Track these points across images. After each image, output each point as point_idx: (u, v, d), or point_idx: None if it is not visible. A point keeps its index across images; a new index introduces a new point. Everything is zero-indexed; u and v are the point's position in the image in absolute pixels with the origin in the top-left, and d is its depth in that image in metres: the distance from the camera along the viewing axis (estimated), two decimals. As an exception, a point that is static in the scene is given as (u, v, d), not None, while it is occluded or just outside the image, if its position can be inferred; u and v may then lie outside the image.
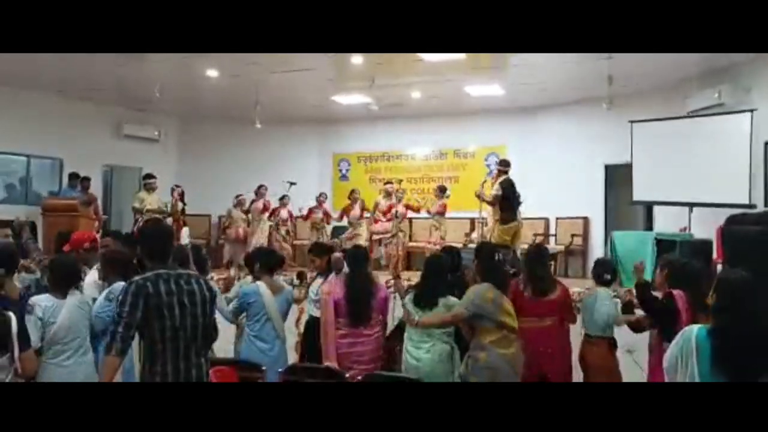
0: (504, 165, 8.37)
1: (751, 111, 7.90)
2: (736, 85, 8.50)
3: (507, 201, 7.98)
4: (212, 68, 9.27)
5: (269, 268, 4.66)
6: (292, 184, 10.19)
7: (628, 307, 4.58)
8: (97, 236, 5.77)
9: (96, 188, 10.74)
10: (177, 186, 10.38)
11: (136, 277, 2.83)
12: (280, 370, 4.04)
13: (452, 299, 4.20)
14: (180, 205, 10.12)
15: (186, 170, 12.33)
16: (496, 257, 4.31)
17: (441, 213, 10.06)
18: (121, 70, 9.19)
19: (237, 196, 10.84)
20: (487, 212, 9.07)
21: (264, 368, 3.93)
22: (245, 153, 12.65)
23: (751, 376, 2.71)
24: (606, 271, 4.83)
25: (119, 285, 3.40)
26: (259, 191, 10.60)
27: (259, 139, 12.12)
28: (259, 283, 4.55)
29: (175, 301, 2.80)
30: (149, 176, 10.08)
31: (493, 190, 8.17)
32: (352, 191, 10.63)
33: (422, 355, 4.15)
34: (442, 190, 10.24)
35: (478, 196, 8.35)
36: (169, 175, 11.19)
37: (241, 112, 11.45)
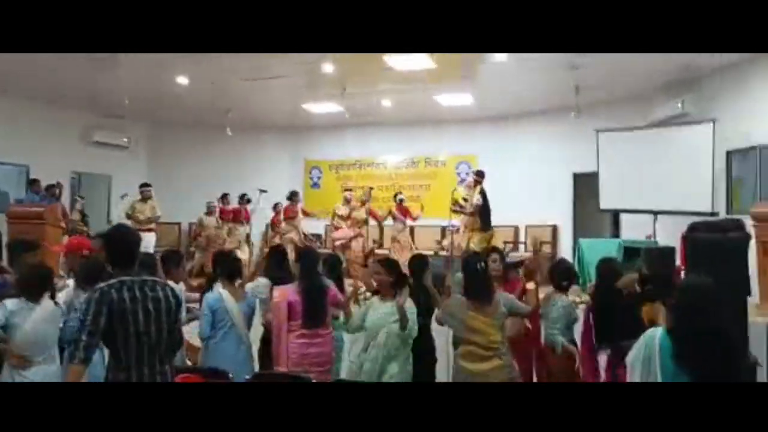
0: (480, 176, 8.59)
1: (713, 121, 8.09)
2: (699, 96, 8.72)
3: (485, 210, 8.18)
4: (183, 75, 9.21)
5: (229, 274, 4.61)
6: (262, 191, 10.15)
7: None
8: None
9: (63, 195, 10.55)
10: (80, 197, 10.26)
11: (100, 285, 2.80)
12: (247, 376, 4.02)
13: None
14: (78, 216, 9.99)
15: (156, 177, 12.15)
16: (478, 267, 4.23)
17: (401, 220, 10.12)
18: (91, 76, 9.09)
19: (208, 204, 10.80)
20: (459, 220, 9.18)
21: (230, 375, 3.89)
22: (216, 160, 12.59)
23: (707, 377, 2.78)
24: (563, 276, 4.85)
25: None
26: (225, 199, 10.66)
27: (230, 147, 12.09)
28: (221, 290, 4.50)
29: (139, 308, 2.78)
30: (145, 185, 10.23)
31: (473, 199, 8.37)
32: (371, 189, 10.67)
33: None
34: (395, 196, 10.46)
35: (456, 211, 8.57)
36: (139, 182, 11.02)
37: (212, 119, 11.43)
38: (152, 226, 10.12)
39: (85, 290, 3.82)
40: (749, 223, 6.22)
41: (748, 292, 4.97)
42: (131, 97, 10.12)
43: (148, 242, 9.84)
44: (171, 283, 4.64)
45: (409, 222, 10.49)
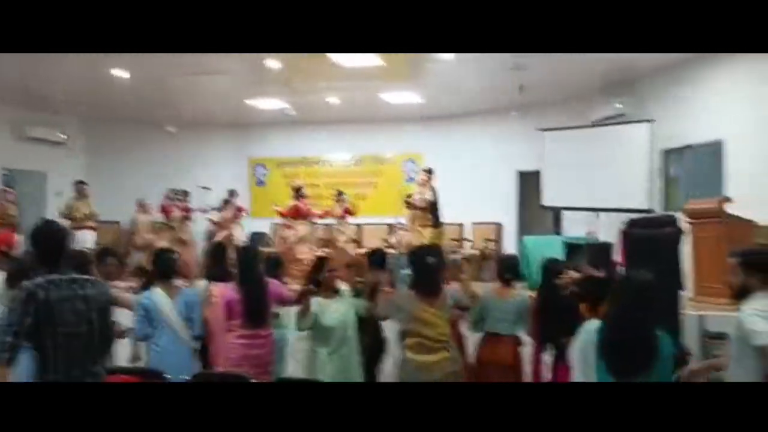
0: (429, 173, 8.64)
1: (650, 121, 8.35)
2: (637, 96, 9.00)
3: (435, 207, 8.31)
4: (122, 69, 8.92)
5: (163, 272, 4.49)
6: (205, 189, 9.94)
7: None
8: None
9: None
10: (9, 188, 9.92)
11: (26, 283, 2.69)
12: (186, 377, 3.91)
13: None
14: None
15: (95, 175, 11.76)
16: (428, 260, 4.25)
17: (343, 218, 10.04)
18: (23, 69, 8.70)
19: (140, 202, 10.53)
20: (406, 217, 9.23)
21: (168, 376, 3.79)
22: (157, 157, 12.27)
23: (630, 371, 2.87)
24: (508, 271, 4.92)
25: None
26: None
27: (172, 143, 11.83)
28: (153, 288, 4.39)
29: (68, 307, 2.68)
30: (80, 182, 9.95)
31: (425, 196, 8.43)
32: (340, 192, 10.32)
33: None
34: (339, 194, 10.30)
35: (409, 204, 8.60)
36: (75, 179, 10.63)
37: (152, 114, 11.14)
38: (91, 224, 9.84)
39: (13, 289, 3.66)
40: (683, 220, 6.44)
41: (681, 286, 5.14)
42: (68, 92, 9.77)
43: (88, 240, 9.60)
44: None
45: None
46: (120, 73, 9.04)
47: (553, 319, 4.17)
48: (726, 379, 3.33)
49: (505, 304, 4.72)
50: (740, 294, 3.22)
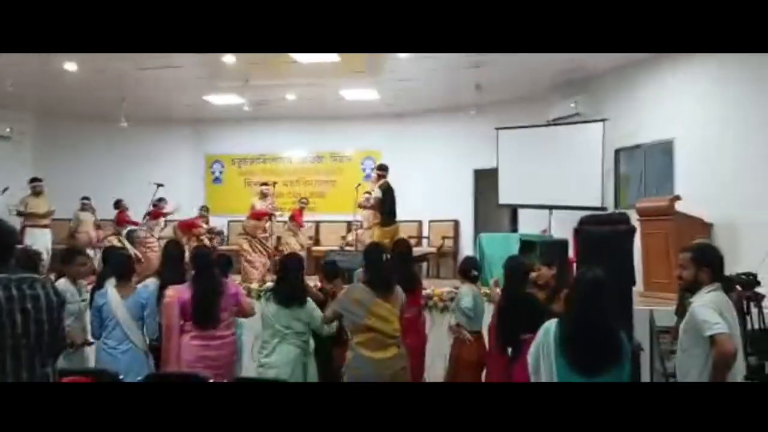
0: (382, 169, 8.62)
1: (603, 121, 8.54)
2: (591, 96, 9.18)
3: (386, 204, 8.22)
4: (72, 62, 8.66)
5: (117, 271, 4.41)
6: (159, 185, 9.72)
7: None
8: None
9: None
10: None
11: None
12: (139, 378, 3.83)
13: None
14: None
15: (43, 171, 11.36)
16: (383, 259, 4.30)
17: (295, 219, 10.00)
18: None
19: (83, 199, 10.28)
20: (362, 215, 9.23)
21: (121, 376, 3.70)
22: (110, 154, 11.99)
23: (591, 366, 2.93)
24: (473, 268, 5.10)
25: None
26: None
27: (125, 139, 11.54)
28: (108, 287, 4.31)
29: (16, 308, 2.57)
30: (35, 179, 9.73)
31: (373, 193, 8.40)
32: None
33: (273, 358, 4.24)
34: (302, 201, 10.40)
35: (361, 206, 8.61)
36: (24, 176, 10.26)
37: (105, 109, 10.84)
38: (47, 222, 9.57)
39: None
40: (635, 218, 6.61)
41: (633, 282, 5.28)
42: (16, 86, 9.42)
43: (45, 239, 9.36)
44: (63, 280, 4.44)
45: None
46: (70, 67, 8.79)
47: (517, 318, 4.21)
48: (676, 369, 3.45)
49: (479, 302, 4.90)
50: (691, 288, 3.35)
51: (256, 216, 9.19)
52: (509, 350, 4.37)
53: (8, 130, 11.42)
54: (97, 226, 10.20)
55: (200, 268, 4.38)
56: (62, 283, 4.36)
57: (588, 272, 3.14)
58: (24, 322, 2.58)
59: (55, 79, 9.42)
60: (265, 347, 4.32)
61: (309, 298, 4.42)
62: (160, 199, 10.09)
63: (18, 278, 2.65)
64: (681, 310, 4.05)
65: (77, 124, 11.96)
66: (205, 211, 10.53)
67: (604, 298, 3.03)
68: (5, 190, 9.67)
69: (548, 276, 4.44)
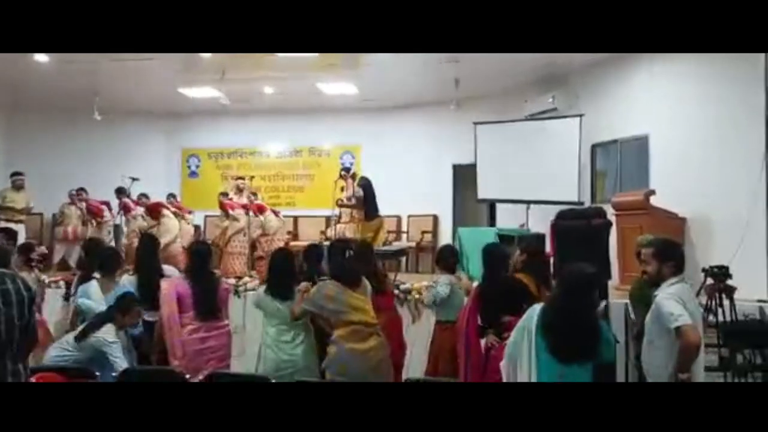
0: (347, 171, 8.94)
1: (580, 116, 8.60)
2: (568, 91, 9.24)
3: (366, 200, 8.27)
4: (42, 54, 8.48)
5: (102, 265, 4.40)
6: (134, 179, 9.59)
7: None
8: None
9: None
10: None
11: None
12: (114, 374, 3.78)
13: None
14: None
15: (14, 165, 11.12)
16: (347, 254, 4.38)
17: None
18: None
19: (71, 192, 10.12)
20: (342, 210, 9.22)
21: (97, 373, 3.66)
22: (83, 147, 11.74)
23: (568, 353, 2.96)
24: (451, 256, 5.17)
25: None
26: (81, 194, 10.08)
27: (98, 132, 11.35)
28: (92, 281, 4.30)
29: None
30: (16, 173, 9.62)
31: (353, 193, 8.42)
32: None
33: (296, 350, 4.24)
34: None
35: (343, 205, 8.63)
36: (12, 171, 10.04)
37: (77, 102, 10.65)
38: (23, 217, 9.44)
39: None
40: (610, 212, 6.68)
41: (609, 275, 5.34)
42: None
43: (19, 235, 9.17)
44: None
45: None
46: (41, 58, 8.61)
47: (497, 303, 4.24)
48: (642, 361, 3.51)
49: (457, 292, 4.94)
50: (656, 282, 3.45)
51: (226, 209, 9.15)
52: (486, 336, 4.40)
53: (-22, 123, 11.18)
54: (83, 222, 10.02)
55: (200, 262, 4.59)
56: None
57: (579, 268, 3.19)
58: (-6, 318, 2.54)
59: (25, 71, 9.23)
60: (287, 341, 4.28)
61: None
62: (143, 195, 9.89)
63: (-12, 274, 2.61)
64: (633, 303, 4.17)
65: (49, 117, 11.71)
66: (172, 197, 10.33)
67: (590, 293, 3.09)
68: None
69: (517, 260, 4.50)
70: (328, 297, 4.07)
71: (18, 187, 9.53)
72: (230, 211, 9.20)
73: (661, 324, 3.24)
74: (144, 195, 9.79)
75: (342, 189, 9.01)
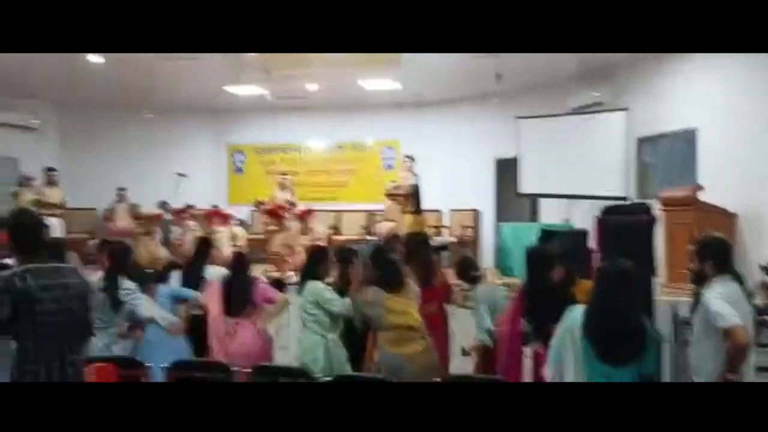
0: (412, 159, 8.66)
1: (625, 109, 8.44)
2: (613, 85, 9.08)
3: (417, 193, 8.37)
4: (96, 53, 8.77)
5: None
6: (182, 176, 9.84)
7: None
8: None
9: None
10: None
11: (3, 273, 2.66)
12: (165, 365, 3.91)
13: (315, 284, 4.46)
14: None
15: (68, 161, 11.61)
16: (390, 258, 4.38)
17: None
18: (-7, 53, 8.50)
19: (118, 189, 10.45)
20: (386, 206, 9.28)
21: (148, 365, 3.79)
22: (133, 144, 12.13)
23: (619, 355, 2.92)
24: (474, 269, 5.06)
25: None
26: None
27: (148, 129, 11.69)
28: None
29: (47, 296, 2.65)
30: (51, 169, 9.95)
31: (408, 181, 8.45)
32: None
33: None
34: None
35: (390, 195, 8.66)
36: (50, 166, 10.44)
37: (129, 99, 10.99)
38: (61, 211, 9.75)
39: None
40: (657, 208, 6.55)
41: (655, 273, 5.24)
42: (41, 77, 9.57)
43: (55, 227, 9.51)
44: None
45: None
46: (95, 58, 8.90)
47: (542, 308, 4.19)
48: (690, 361, 3.45)
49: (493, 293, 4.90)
50: (698, 280, 3.38)
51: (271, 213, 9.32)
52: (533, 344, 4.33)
53: (33, 120, 11.60)
54: (134, 217, 10.33)
55: (235, 267, 4.91)
56: None
57: (615, 262, 3.14)
58: (55, 311, 2.66)
59: (80, 70, 9.54)
60: (300, 338, 4.50)
61: (314, 281, 4.49)
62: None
63: (49, 267, 2.73)
64: (694, 303, 4.04)
65: (101, 114, 12.11)
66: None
67: (630, 289, 3.04)
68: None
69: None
70: (366, 303, 4.12)
71: (52, 182, 9.86)
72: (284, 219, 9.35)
73: (709, 324, 3.18)
74: (189, 206, 10.02)
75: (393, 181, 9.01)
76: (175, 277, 5.15)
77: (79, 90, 11.19)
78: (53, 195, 9.80)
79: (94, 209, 11.53)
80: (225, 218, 9.89)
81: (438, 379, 3.97)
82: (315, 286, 4.44)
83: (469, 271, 5.00)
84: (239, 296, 4.66)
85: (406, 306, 4.08)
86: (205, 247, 5.54)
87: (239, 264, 4.97)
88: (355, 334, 4.53)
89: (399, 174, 8.91)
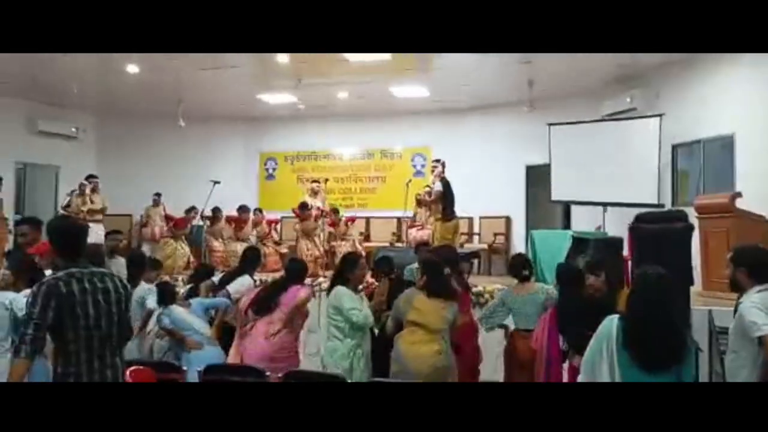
0: (441, 164, 8.67)
1: (660, 115, 8.33)
2: (647, 90, 8.96)
3: (446, 199, 8.23)
4: (133, 63, 8.98)
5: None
6: (215, 183, 9.99)
7: None
8: None
9: (8, 187, 10.24)
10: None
11: (48, 277, 2.74)
12: (199, 369, 3.98)
13: (342, 289, 4.53)
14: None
15: (106, 168, 11.87)
16: (444, 272, 4.40)
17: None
18: (34, 63, 8.77)
19: (155, 195, 10.65)
20: (418, 212, 9.29)
21: (184, 368, 3.87)
22: (168, 151, 12.34)
23: (660, 364, 2.88)
24: (525, 267, 5.00)
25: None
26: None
27: (182, 137, 11.88)
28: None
29: (89, 300, 2.72)
30: (91, 176, 10.21)
31: (434, 187, 8.44)
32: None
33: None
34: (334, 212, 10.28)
35: (421, 201, 8.65)
36: (88, 173, 10.71)
37: (163, 108, 11.20)
38: (101, 217, 9.99)
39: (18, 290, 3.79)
40: (693, 215, 6.45)
41: (691, 281, 5.16)
42: (80, 86, 9.83)
43: (100, 234, 9.72)
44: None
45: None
46: (132, 68, 9.12)
47: (578, 322, 4.14)
48: (726, 371, 3.38)
49: (525, 300, 4.81)
50: (734, 288, 3.33)
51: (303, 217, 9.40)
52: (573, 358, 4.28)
53: (73, 129, 11.91)
54: (167, 220, 10.53)
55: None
56: None
57: (651, 269, 3.09)
58: (96, 315, 2.73)
59: (117, 79, 9.79)
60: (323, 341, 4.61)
61: (341, 287, 4.54)
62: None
63: (90, 272, 2.80)
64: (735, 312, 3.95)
65: (137, 122, 12.38)
66: (258, 212, 10.73)
67: (668, 295, 2.99)
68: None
69: (598, 284, 4.33)
70: (404, 301, 4.23)
71: (93, 189, 10.11)
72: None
73: (744, 333, 3.12)
74: (217, 209, 10.18)
75: (428, 186, 9.02)
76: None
77: (117, 99, 11.48)
78: (97, 201, 10.06)
79: (131, 215, 11.77)
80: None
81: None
82: (339, 292, 4.51)
83: (521, 269, 4.98)
84: (266, 294, 4.72)
85: (433, 308, 4.14)
86: (253, 254, 5.63)
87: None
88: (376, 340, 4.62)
89: (430, 179, 8.88)
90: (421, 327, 4.08)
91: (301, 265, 5.19)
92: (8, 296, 3.74)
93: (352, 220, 10.20)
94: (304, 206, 9.64)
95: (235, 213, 10.28)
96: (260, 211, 10.61)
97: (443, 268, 4.36)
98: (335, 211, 10.10)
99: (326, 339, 4.55)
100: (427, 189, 8.99)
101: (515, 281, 5.03)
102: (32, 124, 11.30)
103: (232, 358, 4.54)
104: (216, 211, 10.18)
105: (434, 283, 4.22)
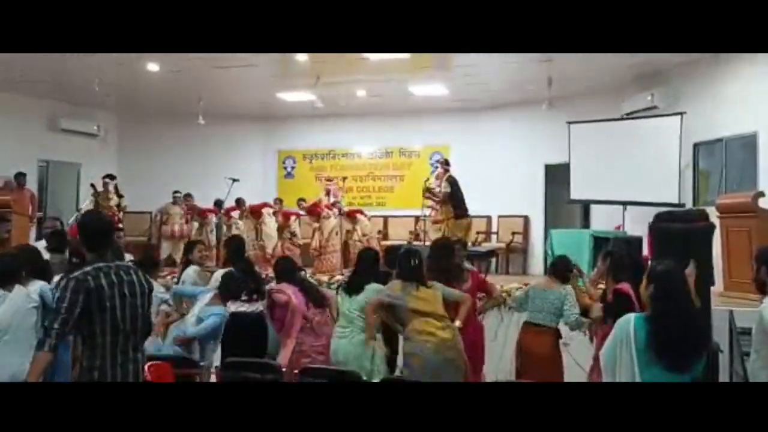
0: (446, 164, 8.61)
1: (681, 114, 8.24)
2: (668, 88, 8.86)
3: (456, 197, 8.16)
4: (153, 63, 9.07)
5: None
6: (234, 180, 10.05)
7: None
8: None
9: (31, 184, 10.42)
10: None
11: (76, 272, 2.76)
12: (216, 365, 4.02)
13: (377, 285, 4.52)
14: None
15: (126, 166, 12.04)
16: (412, 261, 4.43)
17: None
18: (57, 63, 8.89)
19: (174, 193, 10.75)
20: (430, 210, 9.25)
21: (202, 364, 3.90)
22: (188, 149, 12.44)
23: (685, 362, 2.85)
24: (569, 269, 4.96)
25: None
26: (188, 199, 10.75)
27: (202, 136, 11.98)
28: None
29: (116, 294, 2.76)
30: (110, 176, 10.35)
31: (441, 188, 8.38)
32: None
33: (340, 342, 4.47)
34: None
35: (428, 198, 8.61)
36: (109, 171, 10.85)
37: (183, 107, 11.29)
38: (120, 214, 10.15)
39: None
40: (714, 215, 6.37)
41: (712, 282, 5.09)
42: (101, 84, 9.95)
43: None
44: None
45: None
46: (152, 67, 9.21)
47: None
48: (748, 371, 3.34)
49: (546, 296, 4.81)
50: (760, 288, 3.29)
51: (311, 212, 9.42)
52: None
53: (95, 128, 12.06)
54: (186, 220, 10.63)
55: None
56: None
57: (663, 265, 3.03)
58: (122, 308, 2.77)
59: (137, 78, 9.89)
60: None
61: (369, 286, 4.57)
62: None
63: (117, 266, 2.85)
64: None
65: (158, 121, 12.50)
66: (279, 202, 10.85)
67: (685, 287, 2.95)
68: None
69: (602, 269, 4.36)
70: (396, 288, 4.30)
71: (115, 187, 10.28)
72: (322, 213, 9.51)
73: (766, 333, 3.09)
74: (240, 199, 10.27)
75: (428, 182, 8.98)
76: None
77: (138, 98, 11.60)
78: (116, 199, 10.20)
79: (150, 213, 11.89)
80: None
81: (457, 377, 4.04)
82: (369, 290, 4.53)
83: (564, 269, 4.95)
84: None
85: (429, 296, 4.23)
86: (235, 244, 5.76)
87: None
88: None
89: (435, 181, 8.82)
90: (426, 314, 4.15)
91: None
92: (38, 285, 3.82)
93: (353, 214, 10.06)
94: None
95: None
96: (280, 201, 10.73)
97: (411, 258, 4.39)
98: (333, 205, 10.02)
99: (343, 336, 4.54)
100: (430, 185, 8.85)
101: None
102: (55, 123, 11.46)
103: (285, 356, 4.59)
104: (239, 202, 10.33)
105: (405, 273, 4.31)
